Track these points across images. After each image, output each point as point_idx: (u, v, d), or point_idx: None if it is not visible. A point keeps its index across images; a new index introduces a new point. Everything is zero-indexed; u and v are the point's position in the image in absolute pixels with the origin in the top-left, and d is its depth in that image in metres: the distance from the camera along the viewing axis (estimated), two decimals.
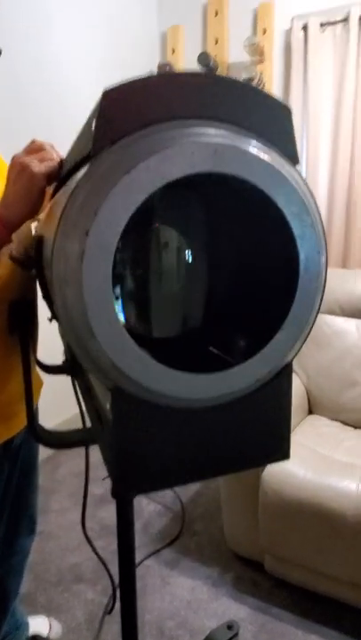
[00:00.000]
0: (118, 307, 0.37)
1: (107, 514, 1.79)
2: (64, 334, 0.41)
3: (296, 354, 0.46)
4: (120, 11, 2.33)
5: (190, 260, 0.48)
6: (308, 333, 0.45)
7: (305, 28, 2.16)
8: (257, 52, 2.20)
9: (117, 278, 0.36)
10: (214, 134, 0.36)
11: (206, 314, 0.50)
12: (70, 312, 0.37)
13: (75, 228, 0.35)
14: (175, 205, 0.45)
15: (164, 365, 0.39)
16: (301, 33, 2.18)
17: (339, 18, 2.10)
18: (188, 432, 0.45)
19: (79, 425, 0.83)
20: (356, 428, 1.58)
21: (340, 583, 1.24)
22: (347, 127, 2.13)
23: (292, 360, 0.46)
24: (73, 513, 1.81)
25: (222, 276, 0.49)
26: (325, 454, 1.37)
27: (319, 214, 0.42)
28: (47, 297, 0.55)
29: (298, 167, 0.41)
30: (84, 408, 0.84)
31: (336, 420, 1.62)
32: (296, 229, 0.39)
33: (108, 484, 1.96)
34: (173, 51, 2.54)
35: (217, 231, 0.48)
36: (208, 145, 0.36)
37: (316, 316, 0.45)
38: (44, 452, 2.17)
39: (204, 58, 2.29)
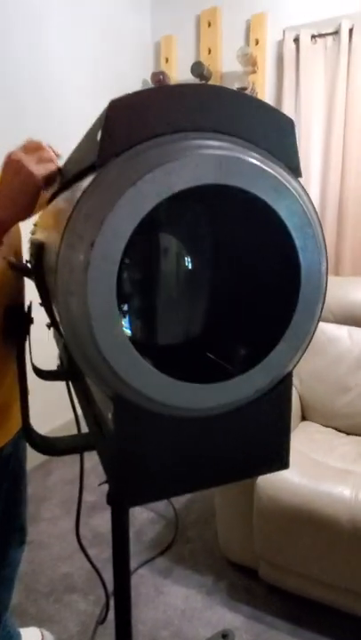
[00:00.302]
0: (122, 317, 0.37)
1: (99, 521, 1.77)
2: (67, 342, 0.41)
3: (296, 364, 0.46)
4: (114, 20, 2.35)
5: (193, 270, 0.48)
6: (309, 343, 0.46)
7: (297, 39, 2.19)
8: (250, 63, 2.23)
9: (121, 289, 0.36)
10: (218, 146, 0.37)
11: (208, 323, 0.50)
12: (74, 322, 0.37)
13: (80, 238, 0.35)
14: (178, 215, 0.46)
15: (166, 375, 0.39)
16: (293, 44, 2.21)
17: (329, 30, 2.14)
18: (189, 441, 0.45)
19: (70, 432, 0.83)
20: (348, 434, 1.59)
21: (336, 590, 1.25)
22: (338, 137, 2.16)
23: (292, 370, 0.46)
24: (65, 521, 1.79)
25: (225, 285, 0.49)
26: (320, 460, 1.37)
27: (321, 226, 0.42)
28: (46, 303, 0.55)
29: (300, 179, 0.42)
30: (79, 414, 0.84)
31: (329, 427, 1.63)
32: (298, 241, 0.40)
33: (100, 491, 1.94)
34: (167, 60, 2.56)
35: (220, 241, 0.48)
36: (213, 157, 0.36)
37: (317, 327, 0.45)
38: (34, 460, 2.16)
39: (197, 67, 2.32)
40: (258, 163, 0.37)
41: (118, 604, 0.87)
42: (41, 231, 0.58)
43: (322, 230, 0.43)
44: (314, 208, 0.42)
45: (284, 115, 0.40)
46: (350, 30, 2.08)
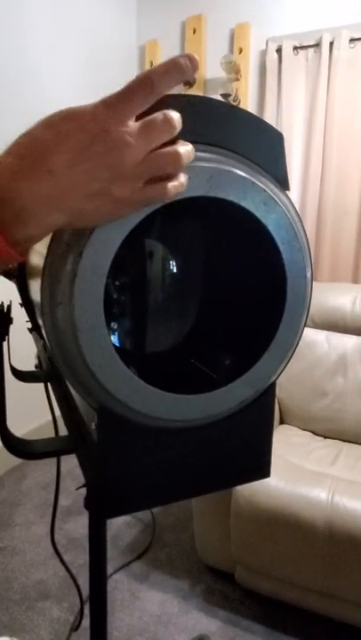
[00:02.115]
0: (109, 329, 0.37)
1: (74, 526, 1.75)
2: (51, 352, 0.40)
3: (280, 374, 0.47)
4: (98, 24, 2.33)
5: (180, 280, 0.48)
6: (292, 354, 0.46)
7: (279, 50, 2.23)
8: (233, 70, 2.25)
9: (108, 299, 0.36)
10: (210, 159, 0.37)
11: (193, 334, 0.50)
12: (59, 333, 0.37)
13: (68, 248, 0.35)
14: (167, 227, 0.46)
15: (152, 387, 0.39)
16: (276, 54, 2.24)
17: (311, 42, 2.18)
18: (172, 451, 0.45)
19: (46, 435, 0.81)
20: (325, 437, 1.62)
21: (310, 593, 1.26)
22: (318, 146, 2.21)
23: (275, 380, 0.47)
24: (39, 526, 1.76)
25: (210, 297, 0.49)
26: (297, 464, 1.39)
27: (307, 239, 0.43)
28: (28, 306, 0.54)
29: (287, 192, 0.43)
30: (57, 415, 0.83)
31: (306, 430, 1.65)
32: (285, 254, 0.40)
33: (75, 495, 1.92)
34: (151, 64, 2.56)
35: (207, 253, 0.48)
36: (204, 169, 0.36)
37: (300, 338, 0.46)
38: (8, 463, 2.12)
39: None
40: (248, 176, 0.38)
41: (94, 610, 0.86)
42: None
43: (308, 243, 0.43)
44: (300, 220, 0.43)
45: (274, 129, 0.41)
46: (331, 44, 2.12)
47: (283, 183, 0.42)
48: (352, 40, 2.10)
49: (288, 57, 2.20)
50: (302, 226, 0.43)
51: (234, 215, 0.39)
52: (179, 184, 0.32)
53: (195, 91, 2.46)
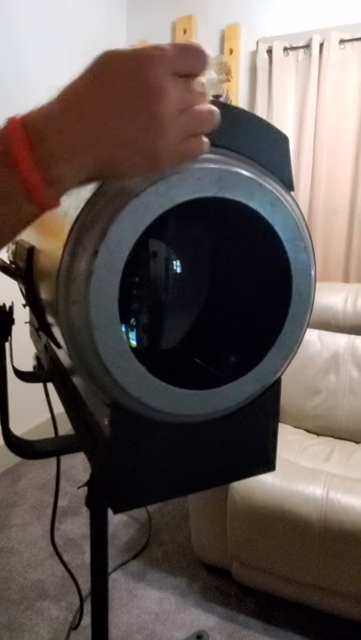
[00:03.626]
0: (123, 326, 0.38)
1: (70, 526, 1.75)
2: (66, 350, 0.41)
3: (284, 370, 0.48)
4: (88, 24, 2.33)
5: (189, 278, 0.49)
6: (297, 350, 0.48)
7: (270, 51, 2.25)
8: (224, 71, 2.27)
9: (121, 297, 0.37)
10: (218, 160, 0.38)
11: (202, 331, 0.51)
12: (74, 331, 0.37)
13: (83, 248, 0.35)
14: (176, 226, 0.47)
15: (164, 383, 0.40)
16: (266, 55, 2.26)
17: (301, 44, 2.21)
18: (182, 446, 0.46)
19: (43, 435, 0.82)
20: (319, 435, 1.65)
21: (306, 587, 1.28)
22: (308, 147, 2.23)
23: (280, 376, 0.48)
24: (35, 527, 1.76)
25: (219, 295, 0.51)
26: (292, 461, 1.41)
27: (310, 238, 0.44)
28: (35, 307, 0.55)
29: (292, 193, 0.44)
30: (58, 415, 0.83)
31: (300, 428, 1.67)
32: (291, 253, 0.42)
33: (71, 495, 1.92)
34: None
35: (215, 251, 0.49)
36: (213, 171, 0.37)
37: (304, 335, 0.47)
38: (3, 464, 2.11)
39: None
40: (255, 177, 0.39)
41: (95, 606, 0.87)
42: (29, 234, 0.57)
43: (312, 242, 0.45)
44: (305, 220, 0.44)
45: (280, 131, 0.42)
46: (321, 45, 2.15)
47: (288, 184, 0.43)
48: (342, 41, 2.13)
49: (278, 58, 2.23)
50: (306, 226, 0.44)
51: (241, 215, 0.40)
52: (207, 143, 0.33)
53: None
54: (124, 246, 0.35)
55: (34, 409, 1.88)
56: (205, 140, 0.32)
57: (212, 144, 0.40)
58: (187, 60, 0.29)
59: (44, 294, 0.47)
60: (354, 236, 2.23)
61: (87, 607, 1.24)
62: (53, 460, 0.85)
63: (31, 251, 0.52)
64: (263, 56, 2.26)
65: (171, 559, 1.58)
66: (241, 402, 0.46)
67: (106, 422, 0.42)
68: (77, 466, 2.04)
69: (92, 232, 0.35)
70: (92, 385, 0.41)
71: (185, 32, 2.44)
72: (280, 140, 0.42)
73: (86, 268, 0.35)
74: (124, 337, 0.37)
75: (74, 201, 0.41)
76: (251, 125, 0.41)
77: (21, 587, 1.47)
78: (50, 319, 0.48)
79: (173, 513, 1.81)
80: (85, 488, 0.84)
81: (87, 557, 1.57)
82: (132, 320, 0.48)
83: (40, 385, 0.90)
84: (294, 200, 0.43)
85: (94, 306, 0.35)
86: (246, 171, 0.39)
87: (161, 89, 0.28)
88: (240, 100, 2.41)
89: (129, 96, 0.28)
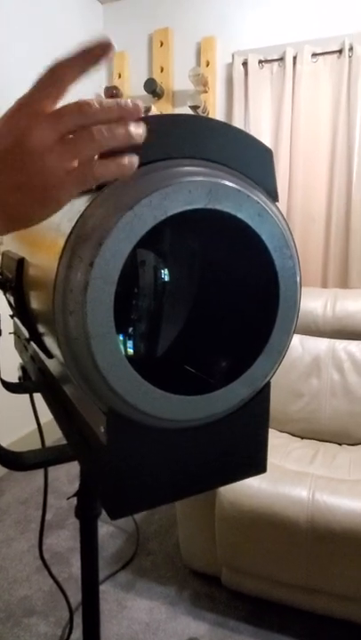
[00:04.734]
0: (119, 335, 0.39)
1: (56, 540, 1.73)
2: (62, 359, 0.41)
3: (274, 374, 0.50)
4: (65, 36, 2.35)
5: (180, 287, 0.51)
6: (285, 354, 0.49)
7: (245, 63, 2.31)
8: (201, 83, 2.31)
9: (117, 307, 0.37)
10: (208, 173, 0.40)
11: (193, 338, 0.52)
12: (71, 340, 0.38)
13: (80, 259, 0.36)
14: (167, 236, 0.48)
15: (159, 389, 0.41)
16: (242, 67, 2.32)
17: (275, 57, 2.27)
18: (175, 451, 0.47)
19: (27, 447, 0.81)
20: (303, 438, 1.67)
21: (296, 589, 1.30)
22: (285, 156, 2.29)
23: (270, 379, 0.50)
24: (20, 542, 1.72)
25: (209, 302, 0.52)
26: (277, 464, 1.43)
27: (295, 246, 0.46)
28: (25, 317, 0.55)
29: (277, 203, 0.46)
30: (43, 425, 0.82)
31: (284, 432, 1.70)
32: (277, 261, 0.43)
33: (56, 509, 1.89)
34: (120, 75, 2.59)
35: (204, 260, 0.51)
36: (203, 183, 0.39)
37: (291, 339, 0.49)
38: None
39: (150, 84, 2.37)
40: (243, 189, 0.40)
41: (86, 616, 0.86)
42: (19, 246, 0.58)
43: (296, 250, 0.46)
44: (289, 229, 0.46)
45: (264, 145, 0.44)
46: (294, 58, 2.22)
47: (273, 195, 0.45)
48: (314, 55, 2.20)
49: (254, 70, 2.29)
50: (291, 235, 0.46)
51: (229, 225, 0.41)
52: (132, 160, 0.33)
53: (164, 102, 2.51)
54: (119, 257, 0.36)
55: (18, 420, 1.85)
56: (129, 158, 0.33)
57: (202, 157, 0.42)
58: (53, 90, 0.31)
59: (36, 305, 0.47)
60: (331, 242, 2.29)
61: (77, 621, 1.23)
62: (36, 474, 0.85)
63: (21, 262, 0.53)
64: (239, 68, 2.32)
65: (159, 568, 1.57)
66: (234, 406, 0.47)
67: (102, 429, 0.42)
68: (62, 478, 2.01)
69: (88, 244, 0.36)
70: (88, 393, 0.41)
71: (162, 44, 2.48)
72: (264, 152, 0.44)
73: (83, 279, 0.36)
74: (120, 345, 0.38)
75: (67, 214, 0.42)
76: (237, 139, 0.43)
77: (7, 604, 1.44)
78: (42, 329, 0.48)
79: (161, 522, 1.81)
80: (73, 500, 0.84)
81: (74, 571, 1.55)
82: (128, 329, 0.49)
83: (25, 396, 0.89)
84: (279, 210, 0.45)
85: (91, 315, 0.36)
86: (235, 183, 0.40)
87: (26, 128, 0.30)
88: (217, 111, 2.46)
89: (1, 145, 0.30)
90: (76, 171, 0.32)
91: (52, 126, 0.30)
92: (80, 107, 0.31)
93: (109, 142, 0.32)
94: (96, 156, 0.32)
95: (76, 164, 0.31)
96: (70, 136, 0.31)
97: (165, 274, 0.51)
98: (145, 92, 2.42)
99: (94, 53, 0.31)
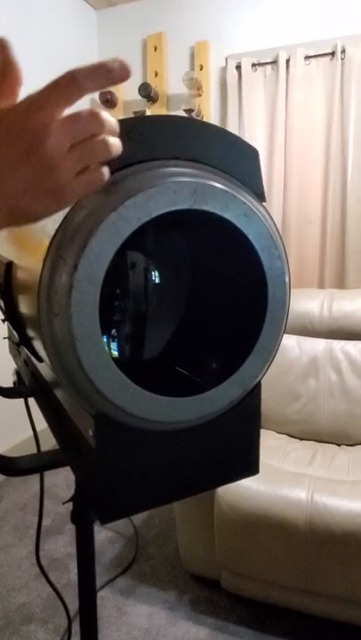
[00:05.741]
0: (104, 337, 0.38)
1: (54, 546, 1.71)
2: (49, 362, 0.41)
3: (264, 374, 0.50)
4: (60, 42, 2.36)
5: (167, 288, 0.50)
6: (275, 355, 0.49)
7: (238, 67, 2.32)
8: (195, 87, 2.32)
9: (102, 308, 0.37)
10: (193, 174, 0.39)
11: (181, 339, 0.52)
12: (57, 342, 0.38)
13: (64, 261, 0.36)
14: (153, 237, 0.48)
15: (147, 391, 0.40)
16: (235, 71, 2.33)
17: (268, 60, 2.28)
18: (165, 454, 0.47)
19: (23, 453, 0.81)
20: (301, 439, 1.67)
21: (296, 592, 1.29)
22: (280, 159, 2.30)
23: (260, 380, 0.50)
24: (18, 549, 1.71)
25: (197, 303, 0.52)
26: (276, 466, 1.43)
27: (284, 246, 0.46)
28: (15, 321, 0.55)
29: (264, 204, 0.46)
30: (40, 432, 0.82)
31: (282, 433, 1.69)
32: (265, 261, 0.43)
33: (53, 515, 1.88)
34: None
35: (192, 261, 0.51)
36: (188, 184, 0.39)
37: (281, 339, 0.49)
38: None
39: (144, 88, 2.37)
40: (229, 189, 0.40)
41: (84, 623, 0.85)
42: (7, 249, 0.58)
43: (285, 250, 0.46)
44: (277, 230, 0.46)
45: (250, 145, 0.44)
46: (287, 61, 2.23)
47: (260, 195, 0.45)
48: (307, 57, 2.21)
49: (247, 73, 2.30)
50: (280, 235, 0.46)
51: (217, 226, 0.41)
52: (106, 172, 0.34)
53: (158, 106, 2.52)
54: (104, 258, 0.36)
55: (17, 426, 1.84)
56: (104, 169, 0.34)
57: (187, 158, 0.42)
58: (68, 97, 0.30)
59: (25, 308, 0.47)
60: (327, 243, 2.29)
61: (75, 628, 1.22)
62: (34, 480, 0.85)
63: (9, 265, 0.53)
64: (233, 72, 2.33)
65: (159, 573, 1.56)
66: (224, 406, 0.47)
67: (91, 433, 0.42)
68: (60, 484, 2.01)
69: (72, 245, 0.36)
70: (75, 396, 0.41)
71: (156, 49, 2.49)
72: (250, 152, 0.44)
73: (67, 281, 0.36)
74: (106, 347, 0.38)
75: (52, 215, 0.42)
76: (223, 140, 0.43)
77: (6, 611, 1.43)
78: (31, 333, 0.48)
79: (160, 526, 1.80)
80: (70, 505, 0.83)
81: (73, 577, 1.54)
82: (113, 330, 0.49)
83: (20, 401, 0.89)
84: (267, 210, 0.45)
85: (76, 317, 0.36)
86: (220, 183, 0.40)
87: (40, 131, 0.30)
88: (212, 114, 2.47)
89: (12, 144, 0.30)
90: (85, 176, 0.33)
91: (68, 133, 0.30)
92: (94, 115, 0.31)
93: (115, 152, 0.33)
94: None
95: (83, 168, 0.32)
96: (88, 140, 0.31)
97: (156, 276, 0.50)
98: (139, 97, 2.43)
99: (115, 73, 0.31)
